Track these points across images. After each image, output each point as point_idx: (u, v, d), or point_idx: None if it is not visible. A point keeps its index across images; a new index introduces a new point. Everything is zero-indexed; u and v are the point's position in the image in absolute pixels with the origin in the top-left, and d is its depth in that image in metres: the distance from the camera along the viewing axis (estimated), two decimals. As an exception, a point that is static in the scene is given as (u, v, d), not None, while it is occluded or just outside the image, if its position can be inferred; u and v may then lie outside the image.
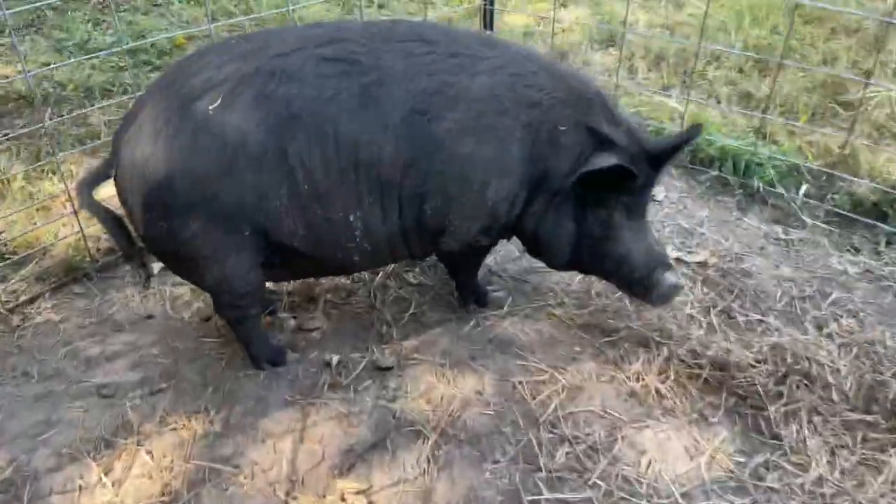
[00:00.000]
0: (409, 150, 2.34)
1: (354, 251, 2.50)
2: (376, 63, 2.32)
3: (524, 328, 3.02)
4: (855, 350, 2.89)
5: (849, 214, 3.65)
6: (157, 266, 3.35)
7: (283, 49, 2.31)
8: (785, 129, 4.21)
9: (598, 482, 2.39)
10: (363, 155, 2.32)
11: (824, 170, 3.81)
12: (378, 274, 3.31)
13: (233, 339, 2.93)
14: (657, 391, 2.71)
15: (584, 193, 2.46)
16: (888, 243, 3.54)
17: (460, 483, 2.41)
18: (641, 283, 2.57)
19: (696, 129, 2.42)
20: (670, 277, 2.56)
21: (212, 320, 3.06)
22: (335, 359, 2.87)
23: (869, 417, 2.64)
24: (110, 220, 2.43)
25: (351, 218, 2.41)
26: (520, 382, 2.76)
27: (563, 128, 2.40)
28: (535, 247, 2.67)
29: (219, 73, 2.25)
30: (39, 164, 3.72)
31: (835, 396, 2.71)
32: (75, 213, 3.11)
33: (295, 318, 3.10)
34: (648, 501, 2.34)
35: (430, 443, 2.53)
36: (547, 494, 2.36)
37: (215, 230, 2.31)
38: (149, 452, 2.48)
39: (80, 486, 2.37)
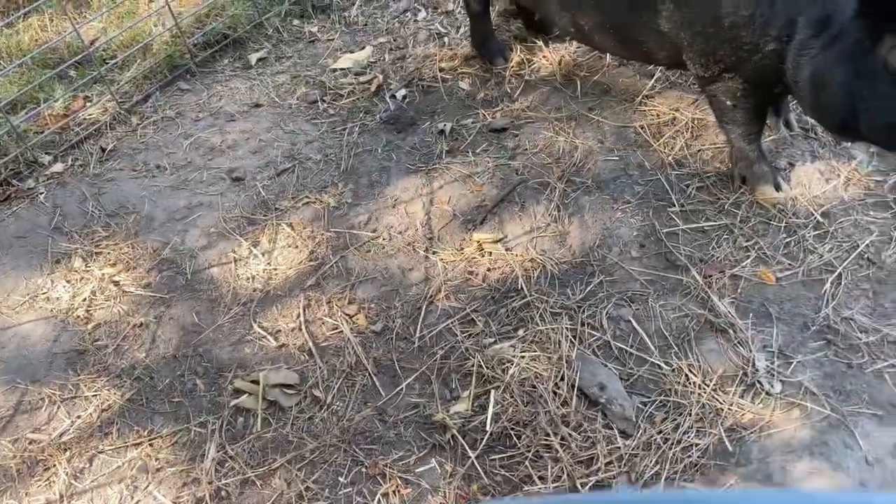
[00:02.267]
0: None
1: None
2: None
3: (640, 78, 2.90)
4: None
5: None
6: (254, 56, 3.32)
7: None
8: None
9: (733, 209, 2.39)
10: None
11: None
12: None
13: (347, 117, 2.96)
14: (786, 121, 2.60)
15: (872, 28, 1.66)
16: None
17: (593, 225, 2.45)
18: None
19: None
20: None
21: (317, 103, 3.06)
22: (448, 126, 2.86)
23: None
24: None
25: None
26: (641, 127, 2.70)
27: None
28: (800, 99, 2.04)
29: None
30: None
31: None
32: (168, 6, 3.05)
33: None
34: (787, 222, 2.34)
35: (557, 192, 2.55)
36: (682, 225, 2.38)
37: None
38: (289, 225, 2.60)
39: (234, 259, 2.52)
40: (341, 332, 2.29)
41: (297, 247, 2.55)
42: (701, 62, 2.18)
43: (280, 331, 2.33)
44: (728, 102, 2.24)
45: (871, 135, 1.83)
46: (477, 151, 2.76)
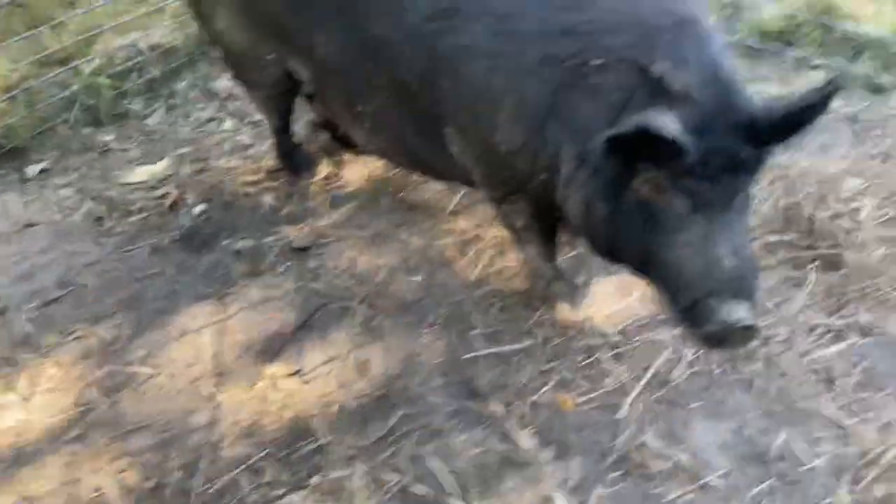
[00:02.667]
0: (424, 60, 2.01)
1: None
2: None
3: (447, 194, 2.88)
4: (770, 176, 2.91)
5: (756, 45, 3.61)
6: (35, 168, 3.01)
7: None
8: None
9: (535, 330, 2.37)
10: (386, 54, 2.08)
11: None
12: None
13: (136, 235, 2.71)
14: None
15: (625, 164, 1.70)
16: (796, 69, 3.53)
17: (396, 351, 2.33)
18: (687, 310, 1.71)
19: (831, 86, 1.57)
20: (734, 311, 1.63)
21: (104, 222, 2.79)
22: (248, 245, 2.68)
23: (787, 237, 2.69)
24: None
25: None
26: (446, 245, 2.66)
27: (596, 62, 1.74)
28: (574, 228, 2.04)
29: None
30: None
31: (755, 221, 2.74)
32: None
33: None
34: (586, 343, 2.33)
35: (360, 316, 2.42)
36: (485, 350, 2.32)
37: None
38: (56, 364, 2.28)
39: (-16, 409, 2.16)
40: (104, 493, 1.98)
41: (61, 390, 2.22)
42: (486, 184, 2.18)
43: (33, 498, 1.98)
44: (518, 223, 2.24)
45: (632, 264, 1.87)
46: (278, 273, 2.60)
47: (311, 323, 2.41)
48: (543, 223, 2.23)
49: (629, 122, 1.60)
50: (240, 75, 2.67)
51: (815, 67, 3.52)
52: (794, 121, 1.61)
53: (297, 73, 2.43)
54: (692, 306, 1.68)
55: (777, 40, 3.63)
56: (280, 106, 2.71)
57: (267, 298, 2.49)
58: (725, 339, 1.68)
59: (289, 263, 2.62)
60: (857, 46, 3.49)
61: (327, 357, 2.32)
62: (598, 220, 1.82)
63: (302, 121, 3.15)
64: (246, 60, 2.49)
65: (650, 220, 1.71)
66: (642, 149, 1.59)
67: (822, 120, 3.06)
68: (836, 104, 3.30)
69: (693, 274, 1.66)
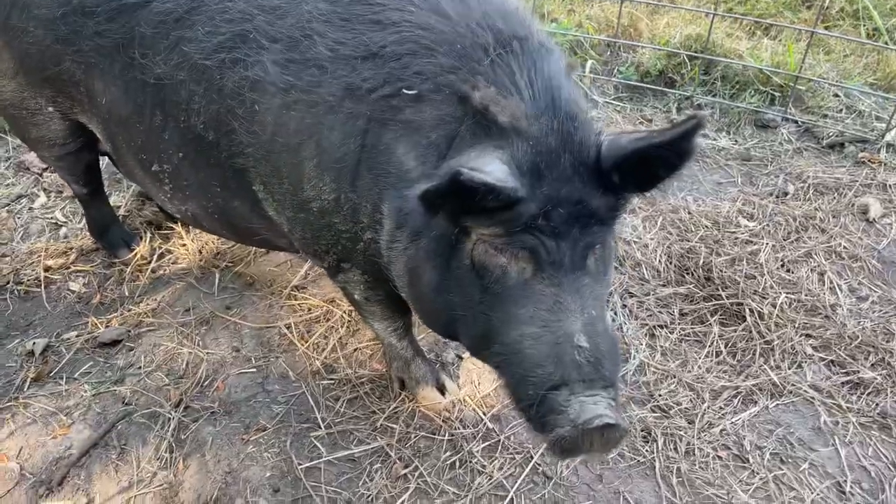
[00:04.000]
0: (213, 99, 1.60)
1: None
2: None
3: (291, 266, 2.45)
4: (660, 220, 2.62)
5: (638, 84, 3.40)
6: None
7: None
8: (564, 6, 3.90)
9: (390, 425, 1.92)
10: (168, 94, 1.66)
11: (608, 39, 3.52)
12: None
13: None
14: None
15: (452, 220, 1.30)
16: (679, 108, 3.32)
17: (215, 467, 1.84)
18: (531, 407, 1.27)
19: (693, 121, 1.16)
20: (588, 407, 1.21)
21: None
22: (41, 344, 2.17)
23: (683, 289, 2.37)
24: None
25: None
26: (288, 326, 2.21)
27: (409, 92, 1.38)
28: (406, 299, 1.61)
29: None
30: None
31: (646, 274, 2.42)
32: None
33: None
34: (453, 434, 1.90)
35: (172, 425, 1.93)
36: (328, 455, 1.85)
37: None
38: None
39: None
40: None
41: None
42: (309, 252, 1.75)
43: None
44: (357, 296, 1.81)
45: (470, 345, 1.43)
46: (75, 376, 2.08)
47: (107, 440, 1.90)
48: (389, 292, 1.81)
49: (442, 171, 1.21)
50: (20, 133, 2.19)
51: (699, 106, 3.33)
52: (651, 158, 1.22)
53: (88, 124, 1.99)
54: (537, 402, 1.24)
55: (658, 80, 3.43)
56: (78, 169, 2.23)
57: (55, 411, 1.97)
58: (579, 444, 1.21)
59: (90, 363, 2.12)
60: (740, 83, 3.31)
61: (126, 484, 1.81)
62: (427, 290, 1.41)
63: (130, 191, 2.70)
64: (20, 114, 2.02)
65: (485, 289, 1.31)
66: (466, 202, 1.19)
67: (713, 158, 2.79)
68: (725, 142, 3.09)
69: (536, 359, 1.25)
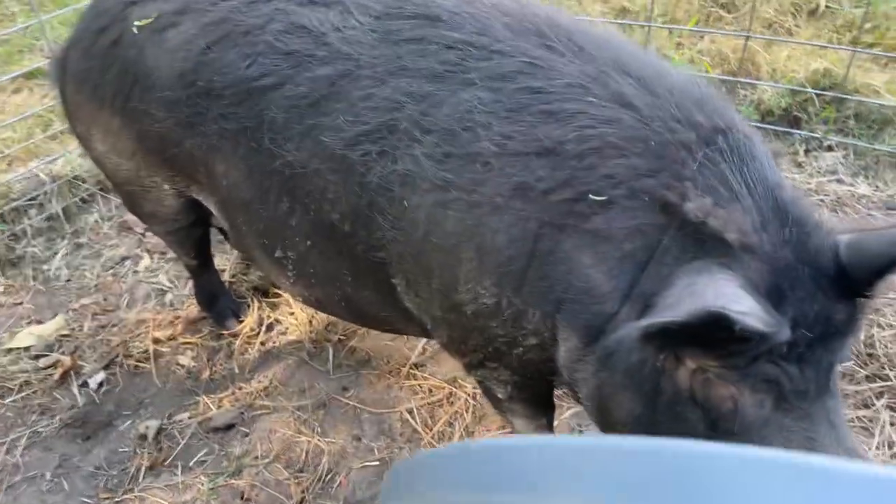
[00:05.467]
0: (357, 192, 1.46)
1: None
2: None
3: (407, 340, 2.30)
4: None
5: (759, 126, 3.14)
6: None
7: None
8: (672, 41, 3.67)
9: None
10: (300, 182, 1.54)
11: (724, 77, 3.28)
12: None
13: (9, 425, 2.10)
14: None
15: (661, 349, 1.14)
16: (807, 150, 3.06)
17: (344, 579, 1.69)
18: None
19: None
20: None
21: (-25, 404, 2.18)
22: (154, 426, 2.07)
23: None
24: None
25: None
26: (409, 411, 2.06)
27: (598, 198, 1.20)
28: (589, 413, 1.43)
29: None
30: None
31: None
32: None
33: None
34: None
35: (296, 526, 1.80)
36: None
37: None
38: None
39: None
40: None
41: None
42: (453, 350, 1.59)
43: None
44: (500, 394, 1.64)
45: None
46: (190, 465, 1.98)
47: (228, 543, 1.78)
48: (533, 392, 1.64)
49: (691, 307, 1.00)
50: (134, 209, 2.11)
51: (830, 148, 3.05)
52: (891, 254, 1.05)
53: (205, 202, 1.89)
54: None
55: (781, 119, 3.17)
56: (190, 242, 2.14)
57: (172, 507, 1.87)
58: None
59: (205, 450, 2.01)
60: (877, 121, 3.02)
61: None
62: (628, 420, 1.23)
63: (233, 256, 2.60)
64: (134, 190, 1.94)
65: (713, 425, 1.12)
66: (701, 336, 1.01)
67: (852, 206, 2.50)
68: (865, 189, 2.82)
69: None
